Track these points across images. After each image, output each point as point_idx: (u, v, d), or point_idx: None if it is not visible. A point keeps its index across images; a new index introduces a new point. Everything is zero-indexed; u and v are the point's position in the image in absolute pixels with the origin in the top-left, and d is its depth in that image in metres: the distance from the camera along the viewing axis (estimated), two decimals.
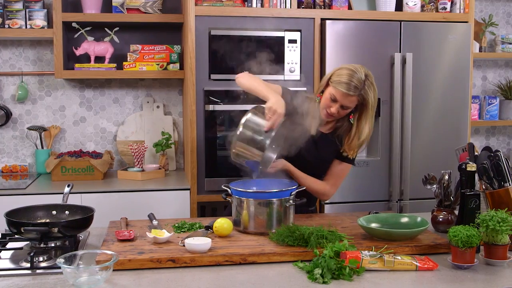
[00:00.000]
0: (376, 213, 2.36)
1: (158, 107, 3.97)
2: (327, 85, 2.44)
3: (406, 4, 3.61)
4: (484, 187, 2.17)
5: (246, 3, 3.46)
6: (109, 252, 1.83)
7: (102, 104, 3.96)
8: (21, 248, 2.05)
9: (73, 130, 3.94)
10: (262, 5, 3.45)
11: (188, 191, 3.39)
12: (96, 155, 3.64)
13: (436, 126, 3.60)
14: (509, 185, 2.10)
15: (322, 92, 2.47)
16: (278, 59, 3.42)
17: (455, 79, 3.60)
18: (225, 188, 2.32)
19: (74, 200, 3.05)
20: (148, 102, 3.97)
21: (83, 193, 3.25)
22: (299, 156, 2.42)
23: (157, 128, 3.93)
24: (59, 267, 1.73)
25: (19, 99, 3.80)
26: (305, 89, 3.24)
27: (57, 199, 2.34)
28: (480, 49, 4.19)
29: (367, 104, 2.41)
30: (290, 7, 3.46)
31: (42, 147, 3.83)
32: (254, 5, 3.45)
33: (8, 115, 3.81)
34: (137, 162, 3.72)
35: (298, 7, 3.50)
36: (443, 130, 3.61)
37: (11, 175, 3.76)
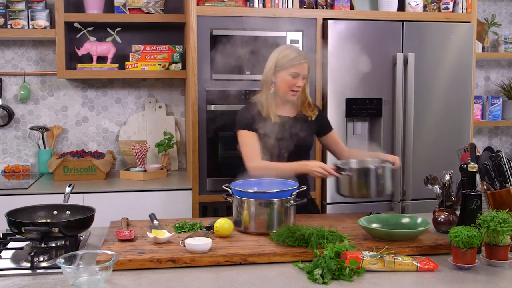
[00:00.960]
0: (377, 213, 2.36)
1: (160, 107, 3.98)
2: (275, 73, 2.63)
3: (408, 4, 3.60)
4: (485, 188, 2.16)
5: (248, 3, 3.45)
6: (109, 252, 1.83)
7: (105, 104, 3.96)
8: (21, 248, 2.06)
9: (76, 130, 3.95)
10: (264, 5, 3.45)
11: (190, 191, 3.39)
12: (98, 155, 3.64)
13: (438, 126, 3.59)
14: (511, 185, 2.09)
15: (273, 83, 2.65)
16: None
17: (457, 79, 3.59)
18: (226, 188, 2.32)
19: (76, 200, 3.07)
20: (150, 102, 3.97)
21: (85, 193, 3.26)
22: (287, 144, 2.60)
23: (159, 128, 3.94)
24: (59, 267, 1.73)
25: (21, 99, 3.81)
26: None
27: (59, 199, 2.35)
28: (483, 49, 4.18)
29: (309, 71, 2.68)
30: (292, 7, 3.46)
31: (45, 147, 3.83)
32: (256, 5, 3.44)
33: (10, 115, 3.82)
34: (139, 162, 3.73)
35: (300, 7, 3.50)
36: (446, 130, 3.60)
37: (13, 175, 3.77)
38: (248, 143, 2.62)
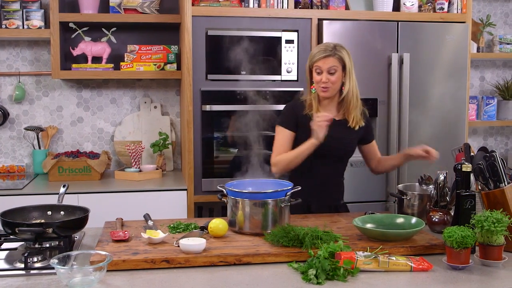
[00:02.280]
0: (371, 213, 2.36)
1: (155, 107, 3.97)
2: (310, 73, 2.64)
3: (404, 4, 3.61)
4: (479, 188, 2.17)
5: (243, 3, 3.45)
6: (103, 253, 1.83)
7: (100, 104, 3.95)
8: (15, 249, 2.05)
9: (70, 131, 3.94)
10: (259, 5, 3.45)
11: (185, 192, 3.39)
12: (93, 155, 3.64)
13: (433, 126, 3.59)
14: (505, 185, 2.09)
15: (312, 82, 2.63)
16: (275, 60, 3.42)
17: (452, 80, 3.60)
18: (221, 188, 2.32)
19: (71, 200, 3.07)
20: (145, 102, 3.96)
21: (80, 193, 3.25)
22: (325, 145, 2.53)
23: (154, 129, 3.93)
24: (53, 268, 1.73)
25: (16, 99, 3.80)
26: (301, 89, 3.24)
27: (54, 200, 2.34)
28: (478, 49, 4.19)
29: (345, 65, 2.58)
30: (287, 7, 3.46)
31: (39, 148, 3.83)
32: (251, 5, 3.44)
33: (5, 115, 3.81)
34: (134, 163, 3.72)
35: (295, 7, 3.50)
36: (441, 130, 3.60)
37: (8, 176, 3.76)
38: (278, 140, 2.66)
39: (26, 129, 3.79)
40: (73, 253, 1.86)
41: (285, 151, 2.61)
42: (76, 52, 3.70)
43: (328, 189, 2.64)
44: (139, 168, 3.71)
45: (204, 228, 2.20)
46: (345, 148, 2.69)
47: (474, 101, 4.17)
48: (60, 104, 3.91)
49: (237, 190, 2.25)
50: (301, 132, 2.60)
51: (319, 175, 2.60)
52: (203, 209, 3.60)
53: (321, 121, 2.45)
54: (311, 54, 2.63)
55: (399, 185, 2.61)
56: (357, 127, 2.65)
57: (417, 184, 2.56)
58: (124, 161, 3.93)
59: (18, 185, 3.42)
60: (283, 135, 2.64)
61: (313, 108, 2.62)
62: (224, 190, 2.29)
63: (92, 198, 3.24)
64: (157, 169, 3.72)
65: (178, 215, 3.25)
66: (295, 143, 2.61)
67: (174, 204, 3.36)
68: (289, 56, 3.43)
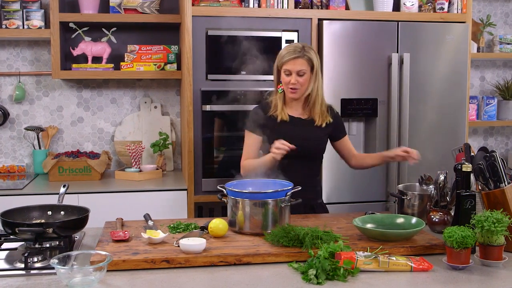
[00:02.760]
0: (372, 213, 2.35)
1: (155, 107, 3.97)
2: (278, 73, 2.66)
3: (404, 4, 3.61)
4: (480, 188, 2.16)
5: (243, 3, 3.45)
6: (103, 253, 1.83)
7: (100, 104, 3.96)
8: (15, 249, 2.05)
9: (71, 131, 3.94)
10: (259, 5, 3.45)
11: (186, 192, 3.39)
12: (93, 155, 3.64)
13: (433, 126, 3.59)
14: (505, 185, 2.09)
15: (279, 82, 2.67)
16: (275, 60, 3.41)
17: (452, 80, 3.60)
18: (221, 188, 2.32)
19: (71, 200, 3.07)
20: (145, 102, 3.96)
21: (80, 193, 3.25)
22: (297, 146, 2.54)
23: (154, 129, 3.93)
24: (53, 268, 1.73)
25: (16, 99, 3.80)
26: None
27: (54, 200, 2.34)
28: (478, 50, 4.19)
29: (314, 66, 2.62)
30: (287, 8, 3.46)
31: (40, 148, 3.83)
32: (251, 5, 3.44)
33: (5, 115, 3.81)
34: (134, 163, 3.72)
35: (295, 7, 3.50)
36: (441, 130, 3.60)
37: (8, 176, 3.76)
38: (246, 144, 2.71)
39: (27, 129, 3.79)
40: (73, 253, 1.86)
41: (253, 155, 2.68)
42: (76, 52, 3.70)
43: (302, 189, 2.42)
44: (139, 168, 3.71)
45: (204, 228, 2.20)
46: (315, 147, 2.71)
47: (474, 101, 4.17)
48: (60, 104, 3.91)
49: (237, 190, 2.25)
50: (268, 134, 2.64)
51: (292, 176, 2.48)
52: (203, 209, 3.59)
53: (279, 151, 2.45)
54: (280, 55, 2.66)
55: (399, 185, 2.61)
56: (323, 124, 2.68)
57: (417, 184, 2.56)
58: (124, 161, 3.93)
59: (19, 185, 3.42)
60: (250, 139, 2.70)
61: (278, 108, 2.66)
62: (224, 190, 2.29)
63: (92, 198, 3.24)
64: (157, 169, 3.72)
65: (178, 215, 3.25)
66: (263, 146, 2.67)
67: (174, 204, 3.36)
68: None
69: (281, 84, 2.66)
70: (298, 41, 3.43)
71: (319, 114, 2.68)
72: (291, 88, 2.62)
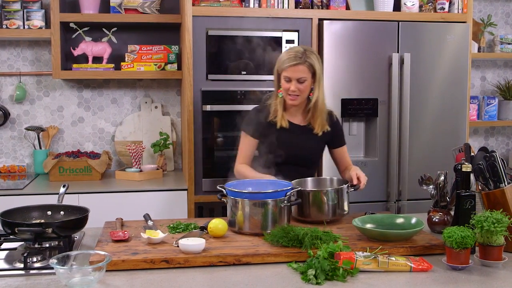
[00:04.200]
0: (371, 213, 2.35)
1: (156, 107, 3.97)
2: (278, 77, 2.59)
3: (404, 4, 3.60)
4: (480, 188, 2.16)
5: (243, 3, 3.45)
6: (103, 253, 1.83)
7: (100, 104, 3.96)
8: (15, 249, 2.05)
9: (71, 131, 3.94)
10: (259, 5, 3.45)
11: (186, 192, 3.39)
12: (94, 155, 3.64)
13: (434, 126, 3.59)
14: (505, 186, 2.09)
15: (279, 86, 2.61)
16: (276, 59, 3.40)
17: (453, 80, 3.59)
18: (221, 188, 2.32)
19: (72, 200, 3.07)
20: (146, 102, 3.97)
21: (81, 193, 3.25)
22: (289, 153, 2.55)
23: (155, 129, 3.93)
24: (53, 268, 1.73)
25: (17, 99, 3.80)
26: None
27: (54, 200, 2.34)
28: (479, 49, 4.18)
29: (315, 72, 2.55)
30: (288, 7, 3.46)
31: (40, 148, 3.83)
32: (251, 5, 3.44)
33: (6, 115, 3.82)
34: (135, 163, 3.72)
35: (296, 7, 3.49)
36: (442, 130, 3.60)
37: (9, 176, 3.76)
38: (242, 145, 2.68)
39: (27, 129, 3.79)
40: (73, 253, 1.86)
41: (248, 157, 2.66)
42: (76, 52, 3.70)
43: None
44: (139, 168, 3.71)
45: (203, 228, 2.20)
46: (310, 155, 2.68)
47: (475, 101, 4.16)
48: (61, 104, 3.92)
49: (237, 190, 2.25)
50: (264, 139, 2.61)
51: (288, 181, 2.44)
52: (204, 209, 3.59)
53: None
54: (280, 60, 2.58)
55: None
56: (321, 133, 2.64)
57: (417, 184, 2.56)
58: (124, 161, 3.93)
59: (19, 185, 3.42)
60: (246, 142, 2.67)
61: (278, 114, 2.61)
62: (224, 190, 2.29)
63: (92, 198, 3.24)
64: (157, 169, 3.72)
65: (178, 215, 3.25)
66: (259, 149, 2.66)
67: (174, 204, 3.36)
68: None
69: (281, 89, 2.62)
70: (298, 41, 3.42)
71: (319, 123, 2.63)
72: (291, 96, 2.57)
